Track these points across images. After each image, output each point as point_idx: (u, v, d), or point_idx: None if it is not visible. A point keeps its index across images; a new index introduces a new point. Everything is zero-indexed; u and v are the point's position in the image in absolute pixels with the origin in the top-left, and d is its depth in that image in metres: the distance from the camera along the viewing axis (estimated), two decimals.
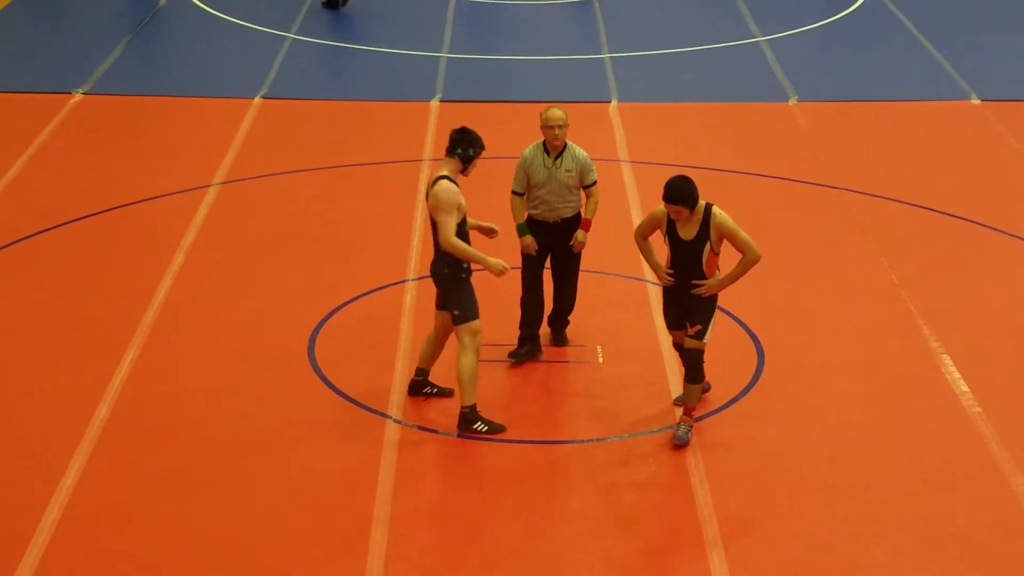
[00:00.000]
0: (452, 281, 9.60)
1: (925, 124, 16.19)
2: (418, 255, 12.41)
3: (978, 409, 10.08)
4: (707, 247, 9.31)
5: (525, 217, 10.50)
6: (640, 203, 13.67)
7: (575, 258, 10.68)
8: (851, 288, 12.02)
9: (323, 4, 20.14)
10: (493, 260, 9.49)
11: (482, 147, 9.71)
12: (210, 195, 13.77)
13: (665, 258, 9.53)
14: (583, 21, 19.92)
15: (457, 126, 9.83)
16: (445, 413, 9.90)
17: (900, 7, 20.30)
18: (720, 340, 11.02)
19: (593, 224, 10.67)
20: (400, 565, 8.30)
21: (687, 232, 9.31)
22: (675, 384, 10.33)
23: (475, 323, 9.61)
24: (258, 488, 9.04)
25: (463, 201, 9.55)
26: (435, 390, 10.03)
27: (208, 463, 9.32)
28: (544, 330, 10.84)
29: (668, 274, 9.47)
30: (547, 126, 10.35)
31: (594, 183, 10.54)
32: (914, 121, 16.25)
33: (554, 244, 10.60)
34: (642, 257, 9.69)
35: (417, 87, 17.02)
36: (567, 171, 10.42)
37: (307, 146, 15.18)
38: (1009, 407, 10.14)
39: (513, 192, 10.50)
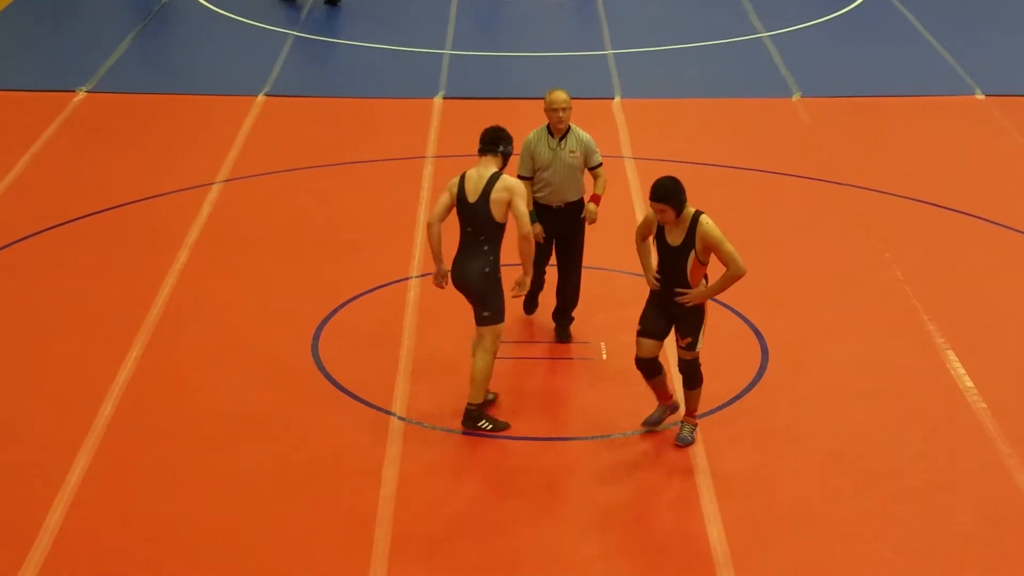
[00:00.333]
0: (492, 282, 9.52)
1: (929, 119, 16.17)
2: (421, 252, 12.40)
3: (983, 405, 10.07)
4: (692, 255, 9.13)
5: (532, 205, 10.48)
6: (643, 200, 13.64)
7: (579, 246, 10.69)
8: (854, 284, 12.01)
9: (325, 0, 20.14)
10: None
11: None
12: (213, 193, 13.77)
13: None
14: (586, 17, 19.90)
15: (492, 125, 9.77)
16: (449, 410, 9.90)
17: (903, 2, 20.27)
18: (723, 336, 11.03)
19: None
20: (404, 562, 8.30)
21: (674, 238, 9.14)
22: (679, 381, 10.31)
23: (502, 326, 9.60)
24: (261, 485, 9.05)
25: None
26: (492, 396, 9.92)
27: (211, 460, 9.33)
28: (548, 326, 10.84)
29: (655, 279, 9.30)
30: (551, 108, 10.40)
31: (599, 164, 10.57)
32: (918, 116, 16.24)
33: (558, 230, 10.62)
34: (639, 258, 9.55)
35: (420, 84, 17.02)
36: (571, 152, 10.46)
37: (310, 144, 15.18)
38: (1013, 403, 10.13)
39: (520, 177, 10.43)
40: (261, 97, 16.54)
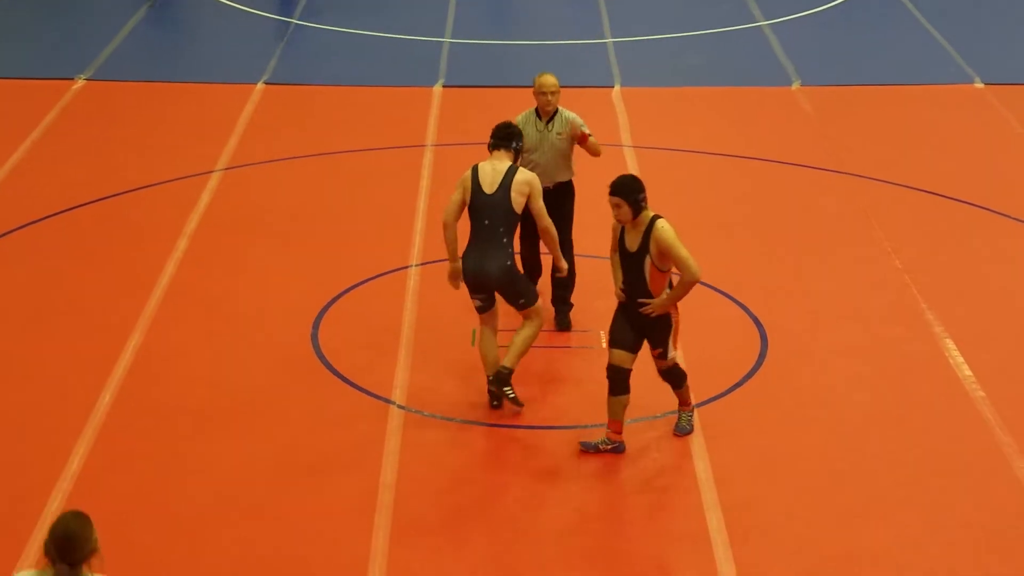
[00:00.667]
0: (515, 272, 9.60)
1: (928, 108, 16.16)
2: (421, 241, 12.40)
3: (981, 393, 10.08)
4: (648, 261, 8.88)
5: None
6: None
7: (568, 225, 10.77)
8: (854, 272, 12.01)
9: None
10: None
11: None
12: (213, 181, 13.77)
13: None
14: (585, 6, 19.88)
15: (503, 121, 9.82)
16: (448, 399, 9.91)
17: None
18: (723, 325, 11.04)
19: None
20: (404, 550, 8.31)
21: (631, 242, 8.95)
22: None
23: (540, 302, 9.79)
24: (261, 473, 9.06)
25: None
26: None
27: (211, 448, 9.33)
28: (547, 314, 10.85)
29: (621, 290, 9.13)
30: (540, 92, 10.56)
31: (590, 134, 10.66)
32: (917, 105, 16.23)
33: (548, 211, 10.59)
34: (611, 269, 9.31)
35: (420, 72, 17.00)
36: (558, 134, 10.59)
37: (310, 132, 15.17)
38: (1012, 391, 10.14)
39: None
40: (260, 85, 16.53)
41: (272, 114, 15.69)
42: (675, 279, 9.10)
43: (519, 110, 11.39)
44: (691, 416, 9.53)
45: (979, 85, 16.73)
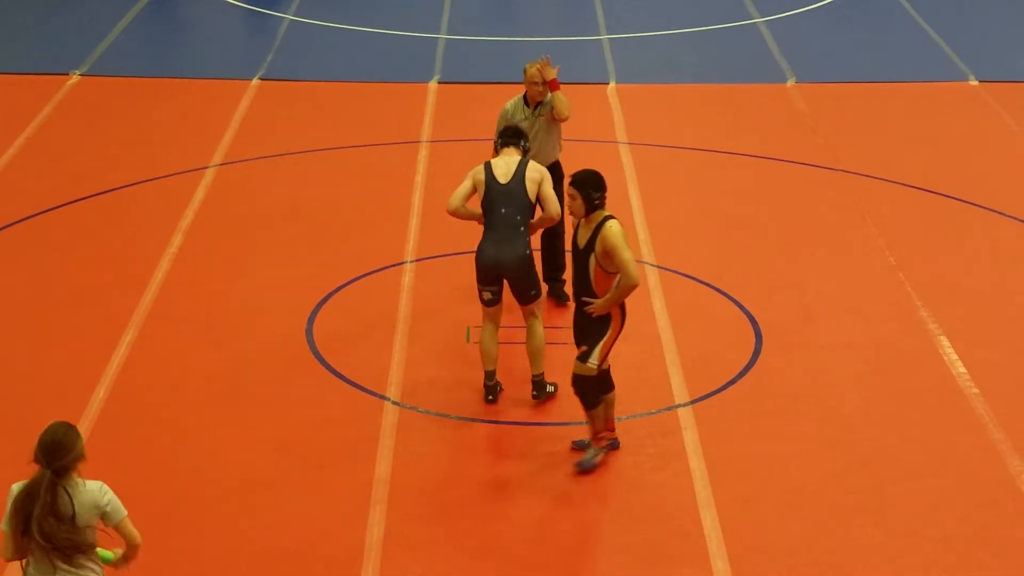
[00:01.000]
0: (532, 262, 9.74)
1: (923, 105, 16.18)
2: (416, 237, 12.41)
3: (975, 390, 10.10)
4: (593, 260, 8.74)
5: None
6: (638, 185, 13.67)
7: (559, 201, 10.79)
8: (848, 269, 12.02)
9: None
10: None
11: None
12: (208, 177, 13.77)
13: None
14: (581, 2, 19.89)
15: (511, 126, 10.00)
16: (443, 396, 9.91)
17: None
18: (718, 321, 11.05)
19: None
20: (398, 545, 8.32)
21: (581, 238, 8.85)
22: (673, 366, 10.35)
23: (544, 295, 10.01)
24: (255, 469, 9.06)
25: None
26: (553, 388, 9.93)
27: (205, 445, 9.34)
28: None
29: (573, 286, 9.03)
30: (531, 82, 10.86)
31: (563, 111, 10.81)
32: (912, 102, 16.24)
33: None
34: None
35: (415, 68, 17.01)
36: (540, 116, 10.86)
37: (305, 128, 15.17)
38: (1006, 388, 10.16)
39: (495, 143, 10.59)
40: (256, 81, 16.52)
41: (267, 110, 15.69)
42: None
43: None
44: (598, 454, 9.06)
45: (974, 83, 16.75)
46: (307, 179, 13.82)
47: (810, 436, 9.56)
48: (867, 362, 10.51)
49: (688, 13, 19.36)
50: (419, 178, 13.74)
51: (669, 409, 9.76)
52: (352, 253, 12.12)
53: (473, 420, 9.64)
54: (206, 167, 13.99)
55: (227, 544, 8.35)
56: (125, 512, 6.36)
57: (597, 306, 8.79)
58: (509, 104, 10.93)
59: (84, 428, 9.43)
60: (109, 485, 6.30)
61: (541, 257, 11.12)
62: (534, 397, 9.82)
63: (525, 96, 10.91)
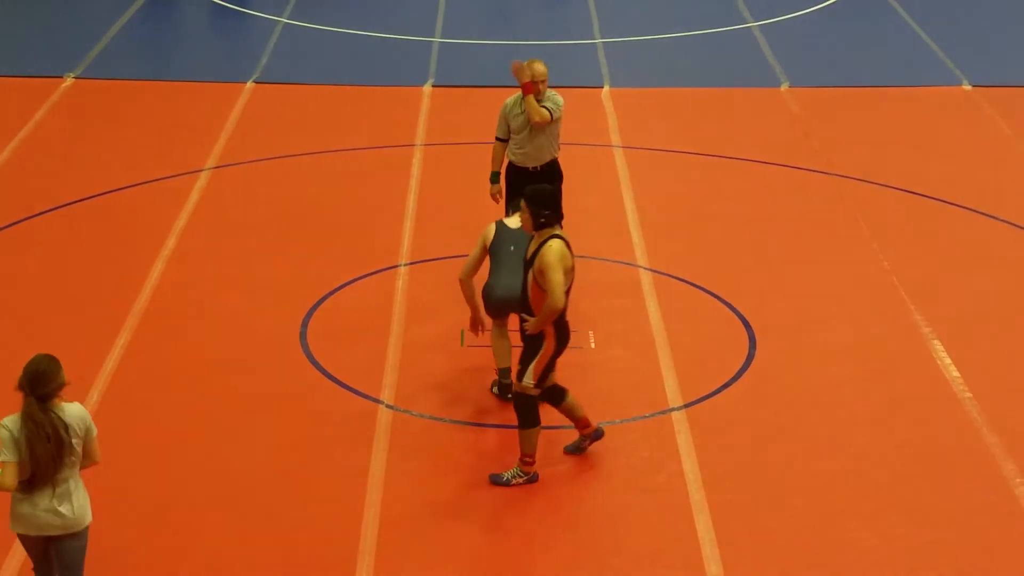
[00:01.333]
0: None
1: (916, 110, 16.20)
2: (410, 240, 12.41)
3: (968, 394, 10.11)
4: (531, 275, 8.66)
5: (500, 166, 11.12)
6: (632, 189, 13.68)
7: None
8: (842, 273, 12.04)
9: None
10: None
11: None
12: (202, 180, 13.76)
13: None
14: (575, 6, 19.90)
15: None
16: (437, 399, 9.91)
17: None
18: (712, 325, 11.06)
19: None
20: (392, 548, 8.32)
21: (530, 250, 8.80)
22: (667, 370, 10.36)
23: None
24: (248, 473, 9.05)
25: None
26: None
27: (199, 447, 9.33)
28: None
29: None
30: (534, 79, 10.85)
31: (545, 107, 10.80)
32: (906, 107, 16.27)
33: None
34: None
35: (410, 72, 17.01)
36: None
37: (299, 131, 15.17)
38: (999, 392, 10.17)
39: (496, 138, 11.09)
40: (250, 84, 16.52)
41: (262, 113, 15.69)
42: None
43: None
44: (516, 474, 8.94)
45: (967, 87, 16.78)
46: (301, 182, 13.82)
47: (803, 439, 9.57)
48: (860, 365, 10.52)
49: (682, 17, 19.38)
50: (413, 181, 13.74)
51: (663, 413, 9.77)
52: (346, 256, 12.11)
53: (467, 423, 9.64)
54: (200, 170, 13.98)
55: (220, 546, 8.34)
56: (96, 432, 7.15)
57: (530, 324, 8.74)
58: (509, 100, 11.07)
59: None
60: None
61: None
62: (501, 384, 9.79)
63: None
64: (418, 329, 10.89)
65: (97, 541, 8.33)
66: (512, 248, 9.64)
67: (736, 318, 11.16)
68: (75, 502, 6.98)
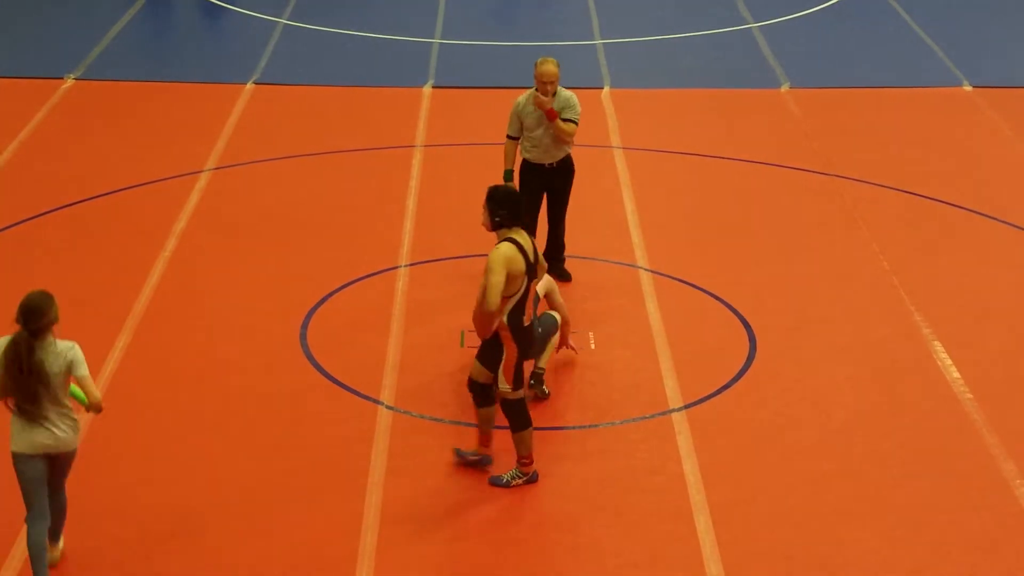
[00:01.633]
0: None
1: (917, 110, 16.20)
2: (410, 241, 12.41)
3: (969, 395, 10.11)
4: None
5: (513, 163, 11.37)
6: (632, 190, 13.68)
7: (566, 198, 11.51)
8: (842, 273, 12.04)
9: None
10: None
11: None
12: (202, 181, 13.76)
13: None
14: (575, 6, 19.90)
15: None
16: (437, 400, 9.91)
17: None
18: (711, 326, 11.06)
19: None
20: (392, 548, 8.32)
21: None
22: (667, 371, 10.36)
23: None
24: (248, 474, 9.05)
25: None
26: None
27: (197, 449, 9.33)
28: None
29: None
30: (541, 82, 11.12)
31: (570, 120, 11.15)
32: (906, 107, 16.27)
33: (549, 185, 11.42)
34: None
35: (409, 73, 17.01)
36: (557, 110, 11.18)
37: (299, 132, 15.17)
38: (999, 393, 10.17)
39: (508, 136, 11.39)
40: (250, 85, 16.52)
41: (262, 114, 15.68)
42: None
43: (508, 111, 11.47)
44: (515, 475, 8.91)
45: (968, 88, 16.78)
46: (301, 183, 13.82)
47: (803, 440, 9.57)
48: (860, 366, 10.52)
49: (682, 18, 19.37)
50: (413, 182, 13.74)
51: (663, 413, 9.77)
52: (346, 257, 12.11)
53: (467, 424, 9.63)
54: (200, 171, 13.98)
55: (219, 549, 8.33)
56: (87, 371, 7.65)
57: (476, 330, 8.69)
58: (521, 98, 11.26)
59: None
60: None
61: (546, 241, 11.59)
62: (531, 386, 9.85)
63: (537, 92, 11.19)
64: (418, 330, 10.89)
65: (97, 540, 8.35)
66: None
67: (736, 319, 11.16)
68: (63, 428, 7.62)
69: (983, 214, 13.24)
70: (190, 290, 11.53)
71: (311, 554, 8.29)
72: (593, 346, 10.72)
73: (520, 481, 8.94)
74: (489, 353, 8.76)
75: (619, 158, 14.50)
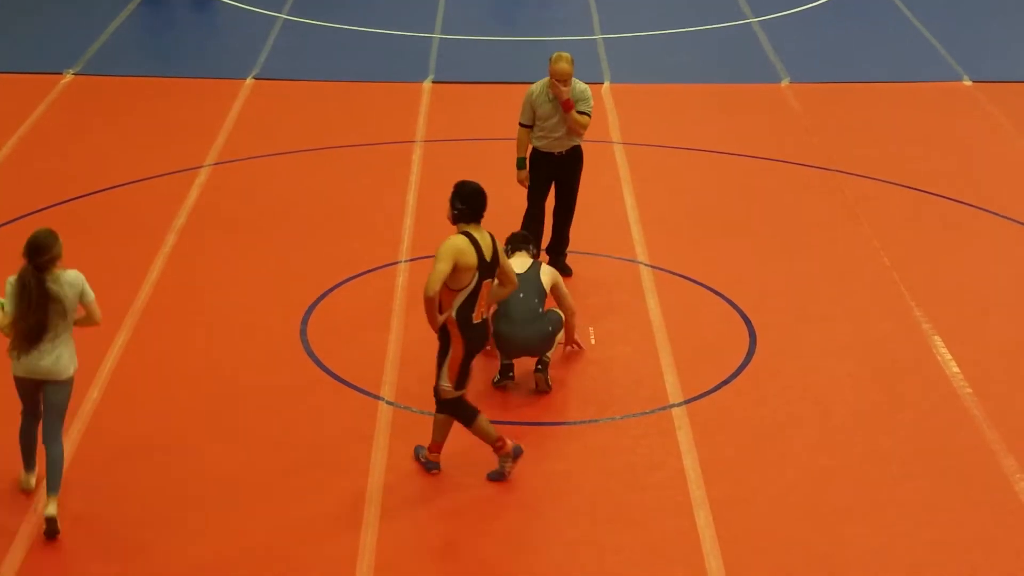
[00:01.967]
0: (555, 335, 10.21)
1: (917, 105, 16.19)
2: (410, 236, 12.40)
3: (969, 391, 10.10)
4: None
5: (526, 151, 11.45)
6: (632, 185, 13.67)
7: (575, 187, 11.60)
8: (842, 270, 12.03)
9: None
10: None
11: None
12: (201, 176, 13.75)
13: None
14: (576, 2, 19.88)
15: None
16: None
17: None
18: (712, 322, 11.06)
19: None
20: (393, 543, 8.32)
21: None
22: (667, 367, 10.35)
23: None
24: (248, 470, 9.05)
25: None
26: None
27: (197, 446, 9.32)
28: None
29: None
30: (555, 79, 11.17)
31: (584, 113, 11.25)
32: (906, 102, 16.26)
33: (558, 173, 11.51)
34: None
35: (409, 68, 16.99)
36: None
37: (299, 127, 15.16)
38: (1000, 388, 10.17)
39: (520, 124, 11.42)
40: (250, 80, 16.51)
41: (261, 109, 15.67)
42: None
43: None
44: (504, 461, 8.86)
45: (968, 83, 16.77)
46: (301, 179, 13.81)
47: (804, 436, 9.56)
48: (861, 362, 10.52)
49: (682, 13, 19.36)
50: (413, 178, 13.73)
51: (663, 409, 9.77)
52: (346, 252, 12.10)
53: None
54: (200, 166, 13.97)
55: (220, 545, 8.33)
56: (93, 295, 8.33)
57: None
58: (535, 87, 11.33)
59: (78, 428, 9.42)
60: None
61: (550, 234, 11.67)
62: (536, 371, 9.95)
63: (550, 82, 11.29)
64: (418, 326, 10.86)
65: (97, 537, 8.34)
66: (521, 295, 9.79)
67: (736, 314, 11.15)
68: (61, 355, 8.19)
69: (984, 210, 13.23)
70: (190, 286, 11.52)
71: (311, 549, 8.28)
72: (593, 341, 10.71)
73: (510, 464, 8.90)
74: (439, 347, 8.72)
75: (619, 153, 14.49)
